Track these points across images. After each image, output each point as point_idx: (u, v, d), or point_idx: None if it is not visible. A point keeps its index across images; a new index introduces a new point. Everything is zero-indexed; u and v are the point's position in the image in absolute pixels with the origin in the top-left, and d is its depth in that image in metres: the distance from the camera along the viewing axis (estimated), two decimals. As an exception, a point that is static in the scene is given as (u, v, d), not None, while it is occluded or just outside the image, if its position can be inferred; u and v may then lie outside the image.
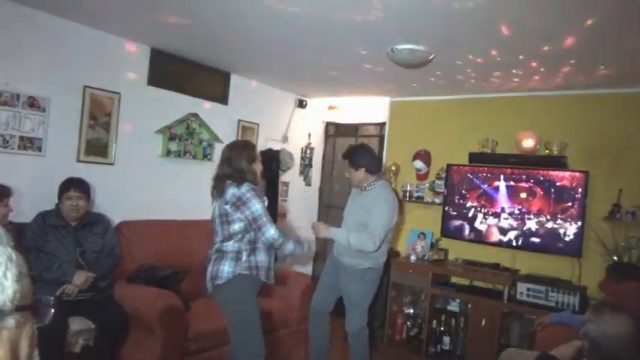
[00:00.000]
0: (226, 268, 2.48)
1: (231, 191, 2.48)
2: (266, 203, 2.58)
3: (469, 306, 3.87)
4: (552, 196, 3.74)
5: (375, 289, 3.16)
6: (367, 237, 2.89)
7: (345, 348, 3.29)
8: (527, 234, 3.84)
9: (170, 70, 3.85)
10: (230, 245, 2.51)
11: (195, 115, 4.02)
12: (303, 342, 3.62)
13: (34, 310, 0.71)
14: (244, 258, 2.50)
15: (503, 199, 3.97)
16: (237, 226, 2.50)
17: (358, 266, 3.05)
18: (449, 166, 4.26)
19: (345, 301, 3.14)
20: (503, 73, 3.52)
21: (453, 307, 4.02)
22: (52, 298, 0.76)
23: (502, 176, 3.97)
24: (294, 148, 5.15)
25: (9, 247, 0.70)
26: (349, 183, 3.21)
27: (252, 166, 2.60)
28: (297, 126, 5.17)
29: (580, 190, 3.62)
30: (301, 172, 5.30)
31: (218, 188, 2.56)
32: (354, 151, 3.14)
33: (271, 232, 2.48)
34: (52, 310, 0.73)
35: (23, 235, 2.76)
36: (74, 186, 2.92)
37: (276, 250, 2.64)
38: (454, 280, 4.13)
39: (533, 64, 3.22)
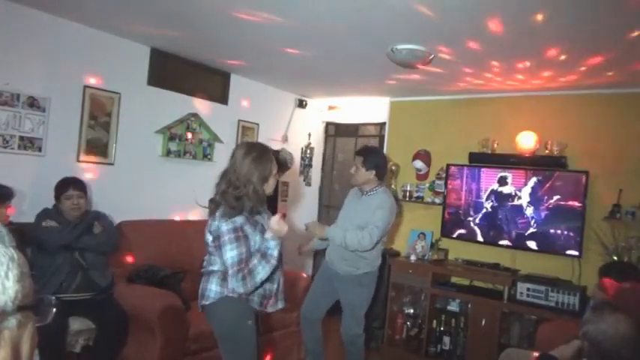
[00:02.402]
0: (213, 287, 2.11)
1: (217, 223, 2.05)
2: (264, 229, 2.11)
3: (469, 306, 3.87)
4: (552, 196, 3.73)
5: (373, 292, 3.17)
6: (365, 233, 2.87)
7: (342, 349, 3.29)
8: (527, 234, 3.84)
9: (170, 70, 3.85)
10: (217, 265, 2.13)
11: (195, 115, 4.02)
12: (303, 342, 3.61)
13: (36, 309, 0.71)
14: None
15: (502, 200, 3.96)
16: (217, 266, 2.14)
17: (355, 272, 3.05)
18: (449, 166, 4.26)
19: (344, 308, 3.14)
20: (503, 73, 3.52)
21: (453, 307, 4.01)
22: (54, 297, 0.76)
23: (502, 176, 3.97)
24: (294, 148, 5.15)
25: (11, 248, 0.70)
26: (350, 179, 3.16)
27: (263, 188, 2.10)
28: (297, 126, 5.16)
29: (580, 190, 3.62)
30: (301, 172, 5.30)
31: (212, 207, 2.13)
32: (372, 151, 3.19)
33: (233, 284, 2.00)
34: (54, 310, 0.73)
35: (23, 234, 2.76)
36: (72, 185, 2.93)
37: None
38: (454, 280, 4.13)
39: (534, 64, 3.22)
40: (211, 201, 2.15)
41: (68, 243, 2.82)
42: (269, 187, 2.16)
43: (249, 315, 2.14)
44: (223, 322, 2.14)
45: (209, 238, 2.11)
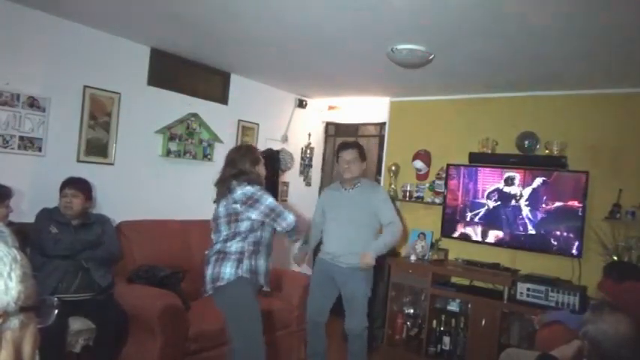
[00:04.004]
0: (228, 270, 2.48)
1: (241, 191, 2.50)
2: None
3: (469, 306, 3.87)
4: (552, 196, 3.74)
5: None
6: (394, 228, 3.12)
7: (343, 348, 3.29)
8: (527, 234, 3.84)
9: (170, 70, 3.85)
10: (233, 246, 2.52)
11: (195, 115, 4.02)
12: (303, 342, 3.62)
13: (38, 310, 0.71)
14: (246, 261, 2.51)
15: (503, 200, 3.97)
16: (244, 226, 2.52)
17: (357, 264, 3.07)
18: (449, 166, 4.26)
19: (350, 302, 3.14)
20: (503, 73, 3.52)
21: (453, 307, 4.02)
22: (56, 298, 0.76)
23: (502, 176, 3.98)
24: (294, 148, 5.15)
25: (13, 248, 0.70)
26: (343, 173, 3.18)
27: (256, 169, 2.63)
28: (297, 126, 5.16)
29: (580, 190, 3.62)
30: (301, 172, 5.30)
31: (223, 189, 2.57)
32: (359, 144, 3.31)
33: (290, 217, 2.54)
34: (56, 311, 0.73)
35: (23, 235, 2.76)
36: (70, 184, 2.95)
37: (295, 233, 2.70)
38: (454, 280, 4.13)
39: (534, 64, 3.22)
40: (217, 190, 2.61)
41: (69, 254, 2.83)
42: (260, 170, 2.67)
43: (256, 293, 2.58)
44: (236, 300, 2.51)
45: (236, 206, 2.50)
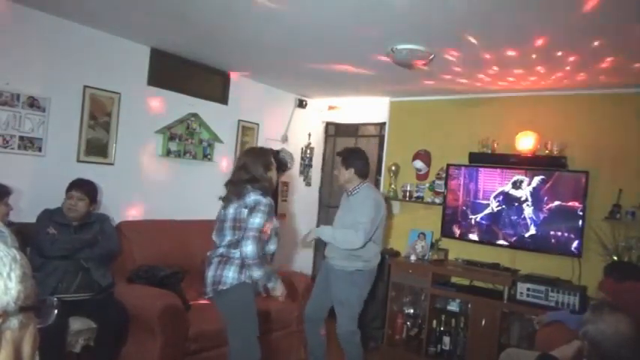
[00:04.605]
0: (231, 274, 2.48)
1: (254, 197, 2.50)
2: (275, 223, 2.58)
3: (469, 306, 3.87)
4: (552, 196, 3.74)
5: (366, 293, 3.14)
6: (352, 231, 2.96)
7: (342, 352, 3.29)
8: (527, 234, 3.84)
9: (170, 70, 3.85)
10: (237, 253, 2.50)
11: (195, 115, 4.02)
12: (303, 343, 3.62)
13: (38, 310, 0.71)
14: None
15: (503, 199, 3.97)
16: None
17: (347, 268, 3.06)
18: (449, 166, 4.26)
19: (337, 304, 3.13)
20: (503, 73, 3.52)
21: (453, 307, 4.02)
22: (56, 298, 0.76)
23: (502, 176, 3.97)
24: (294, 148, 5.15)
25: (13, 248, 0.70)
26: (335, 181, 3.25)
27: (268, 174, 2.62)
28: (297, 126, 5.17)
29: (580, 190, 3.62)
30: (301, 172, 5.30)
31: (235, 192, 2.55)
32: (350, 150, 3.28)
33: (248, 249, 2.39)
34: (56, 311, 0.73)
35: (23, 235, 2.76)
36: (76, 187, 2.94)
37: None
38: (454, 280, 4.13)
39: (533, 64, 3.22)
40: (228, 192, 2.59)
41: (67, 254, 2.83)
42: (273, 175, 2.66)
43: (254, 297, 2.58)
44: (238, 305, 2.51)
45: (244, 210, 2.49)
